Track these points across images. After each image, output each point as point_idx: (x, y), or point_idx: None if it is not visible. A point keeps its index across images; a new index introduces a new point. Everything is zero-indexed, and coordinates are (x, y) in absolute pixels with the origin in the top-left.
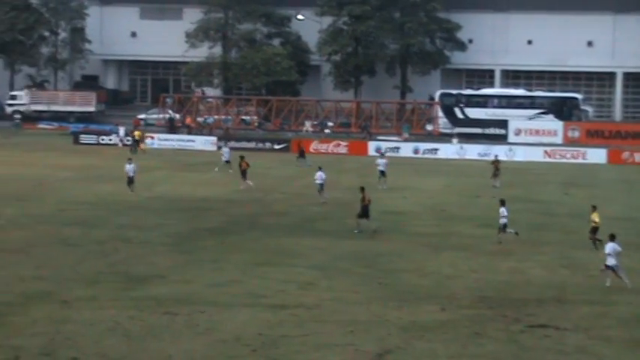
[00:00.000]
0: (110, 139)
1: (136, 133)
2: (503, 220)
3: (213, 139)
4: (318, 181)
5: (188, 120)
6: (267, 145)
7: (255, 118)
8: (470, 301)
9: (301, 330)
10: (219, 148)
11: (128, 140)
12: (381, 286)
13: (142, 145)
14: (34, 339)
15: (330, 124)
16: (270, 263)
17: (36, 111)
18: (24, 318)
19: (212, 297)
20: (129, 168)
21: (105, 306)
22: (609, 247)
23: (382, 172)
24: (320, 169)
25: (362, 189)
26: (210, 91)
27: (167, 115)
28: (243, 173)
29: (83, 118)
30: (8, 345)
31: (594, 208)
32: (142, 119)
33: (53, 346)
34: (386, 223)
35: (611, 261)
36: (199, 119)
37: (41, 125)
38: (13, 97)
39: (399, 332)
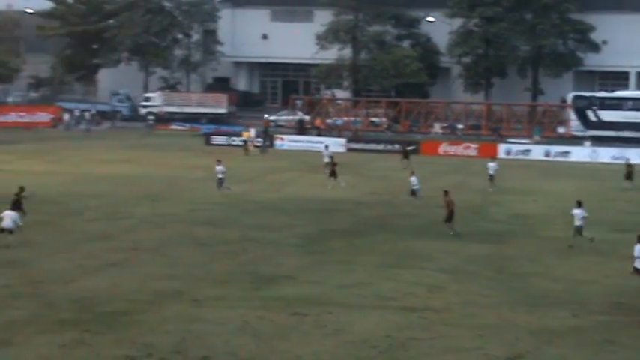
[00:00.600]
0: (241, 141)
1: (245, 134)
2: (578, 223)
3: (343, 140)
4: (414, 187)
5: (317, 122)
6: (396, 147)
7: (385, 120)
8: (603, 307)
9: (429, 333)
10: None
11: (258, 142)
12: (510, 289)
13: (250, 147)
14: (165, 337)
15: (460, 126)
16: (399, 265)
17: (169, 112)
18: (156, 316)
19: (340, 298)
20: (219, 169)
21: (234, 305)
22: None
23: (491, 176)
24: (413, 174)
25: (445, 192)
26: (339, 93)
27: (297, 117)
28: (333, 173)
29: (215, 119)
30: (141, 342)
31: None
32: (271, 121)
33: (184, 344)
34: (516, 227)
35: None
36: (328, 121)
37: (174, 126)
38: (147, 99)
39: (528, 337)
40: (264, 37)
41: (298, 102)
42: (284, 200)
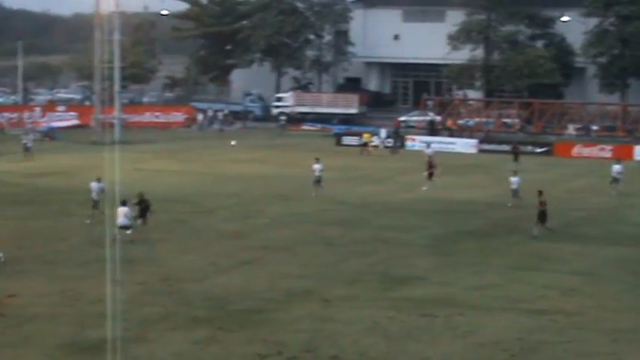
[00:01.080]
0: (372, 141)
1: (365, 135)
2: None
3: (474, 141)
4: (514, 187)
5: (449, 122)
6: (529, 148)
7: (517, 121)
8: None
9: (562, 337)
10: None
11: (389, 142)
12: None
13: (369, 147)
14: (296, 336)
15: (595, 127)
16: (531, 268)
17: (300, 113)
18: (287, 315)
19: (471, 300)
20: (316, 167)
21: (364, 306)
22: None
23: (615, 179)
24: (516, 173)
25: (540, 192)
26: (471, 94)
27: (428, 118)
28: (430, 175)
29: (346, 119)
30: (272, 340)
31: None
32: (402, 121)
33: (314, 343)
34: None
35: None
36: (460, 121)
37: (305, 127)
38: (279, 99)
39: None
40: (396, 37)
41: (430, 102)
42: (415, 201)
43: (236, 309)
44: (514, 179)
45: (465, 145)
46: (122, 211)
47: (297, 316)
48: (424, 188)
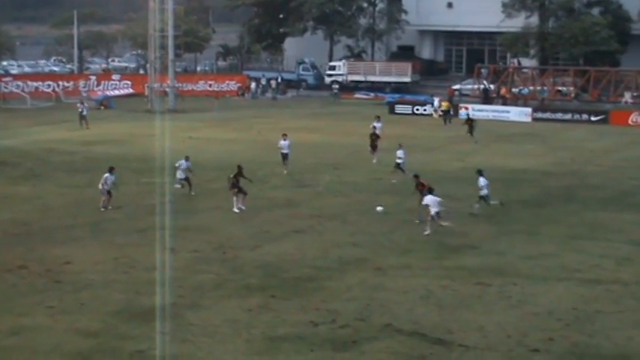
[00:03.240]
0: (425, 110)
1: (444, 103)
2: (483, 192)
3: (529, 110)
4: None
5: (503, 91)
6: (584, 117)
7: (572, 89)
8: None
9: (617, 306)
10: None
11: (442, 111)
12: None
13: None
14: (349, 304)
15: None
16: (585, 237)
17: (353, 81)
18: (340, 283)
19: (525, 269)
20: (283, 144)
21: (417, 274)
22: None
23: None
24: None
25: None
26: (525, 62)
27: (482, 86)
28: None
29: (399, 88)
30: (325, 309)
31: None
32: (456, 90)
33: (368, 311)
34: None
35: None
36: (514, 90)
37: (358, 95)
38: (332, 68)
39: None
40: (450, 5)
41: (483, 71)
42: (468, 170)
43: (289, 277)
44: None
45: (519, 114)
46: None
47: (350, 284)
48: (374, 161)
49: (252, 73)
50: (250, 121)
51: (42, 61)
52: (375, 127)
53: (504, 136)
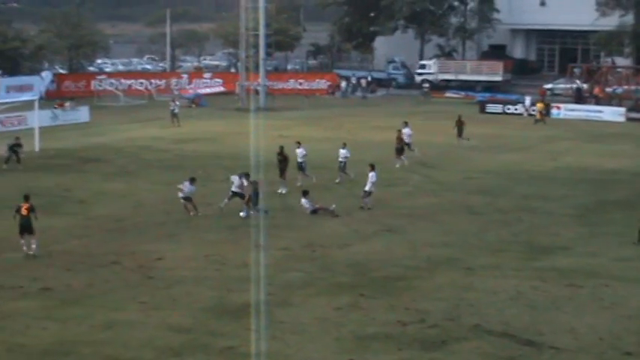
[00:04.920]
0: (516, 109)
1: (539, 105)
2: (368, 186)
3: (622, 110)
4: None
5: (596, 90)
6: None
7: None
8: None
9: None
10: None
11: (533, 110)
12: None
13: (540, 116)
14: (438, 303)
15: None
16: None
17: (444, 80)
18: (429, 283)
19: (617, 271)
20: (299, 152)
21: (507, 275)
22: None
23: None
24: None
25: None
26: (619, 61)
27: (575, 85)
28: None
29: (490, 87)
30: (414, 308)
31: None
32: (548, 89)
33: (457, 311)
34: None
35: None
36: (608, 89)
37: (448, 94)
38: (423, 67)
39: None
40: (542, 3)
41: (576, 70)
42: (560, 170)
43: (378, 276)
44: None
45: (613, 114)
46: (235, 178)
47: (439, 284)
48: (397, 166)
49: (343, 72)
50: (340, 120)
51: (135, 60)
52: (401, 132)
53: (597, 136)
